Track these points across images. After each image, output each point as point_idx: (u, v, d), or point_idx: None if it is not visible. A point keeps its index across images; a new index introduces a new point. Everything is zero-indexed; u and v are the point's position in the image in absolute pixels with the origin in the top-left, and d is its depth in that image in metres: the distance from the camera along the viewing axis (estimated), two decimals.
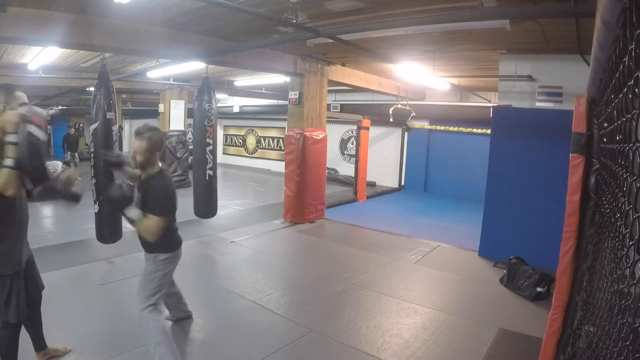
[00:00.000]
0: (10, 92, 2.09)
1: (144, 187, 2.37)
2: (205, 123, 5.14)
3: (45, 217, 6.34)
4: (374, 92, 8.52)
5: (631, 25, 0.78)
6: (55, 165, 7.98)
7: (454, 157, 9.16)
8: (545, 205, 4.19)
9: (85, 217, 5.62)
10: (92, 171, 4.06)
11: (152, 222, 2.24)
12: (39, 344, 2.49)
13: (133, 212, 2.23)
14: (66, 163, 9.57)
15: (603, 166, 1.62)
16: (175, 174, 8.47)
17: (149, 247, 2.42)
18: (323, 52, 5.76)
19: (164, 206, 2.31)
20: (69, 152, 10.40)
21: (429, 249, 5.08)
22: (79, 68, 7.13)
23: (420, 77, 5.88)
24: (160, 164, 2.44)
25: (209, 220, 5.64)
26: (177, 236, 2.56)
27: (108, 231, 4.21)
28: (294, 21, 3.34)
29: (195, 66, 5.92)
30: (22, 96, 2.17)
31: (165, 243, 2.41)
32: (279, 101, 10.82)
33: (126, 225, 5.43)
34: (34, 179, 2.07)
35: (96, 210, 4.14)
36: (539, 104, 4.62)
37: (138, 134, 2.34)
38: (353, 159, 8.87)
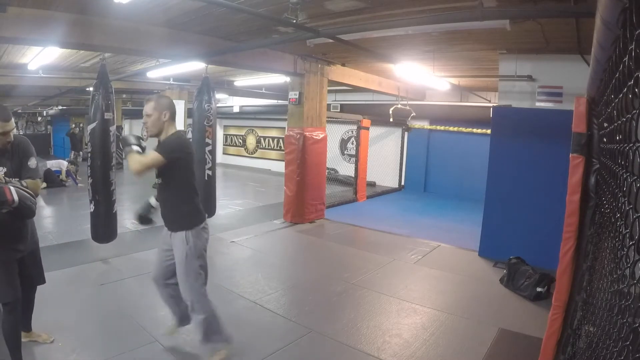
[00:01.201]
0: None
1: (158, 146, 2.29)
2: (205, 123, 5.14)
3: (45, 217, 6.33)
4: (374, 92, 8.52)
5: (631, 25, 0.78)
6: (60, 164, 8.09)
7: (454, 157, 9.16)
8: (545, 205, 4.18)
9: (85, 217, 5.60)
10: (89, 171, 4.07)
11: (143, 157, 2.17)
12: (25, 325, 2.56)
13: (134, 147, 2.22)
14: (70, 162, 9.54)
15: (603, 166, 1.62)
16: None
17: (172, 224, 2.35)
18: (323, 52, 5.76)
19: (166, 148, 2.22)
20: (73, 152, 10.37)
21: (429, 249, 5.08)
22: (79, 68, 7.13)
23: (420, 77, 5.88)
24: (177, 128, 2.37)
25: (208, 220, 5.62)
26: (197, 211, 2.40)
27: (103, 231, 4.22)
28: (294, 21, 3.34)
29: (195, 66, 5.92)
30: None
31: (186, 218, 2.34)
32: (279, 101, 10.81)
33: (125, 225, 5.43)
34: None
35: (92, 210, 4.15)
36: (539, 104, 4.62)
37: (147, 100, 2.31)
38: (353, 159, 8.86)
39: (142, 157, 2.18)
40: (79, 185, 8.97)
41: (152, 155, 2.18)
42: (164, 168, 2.24)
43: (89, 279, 3.73)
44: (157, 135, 2.34)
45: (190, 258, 2.32)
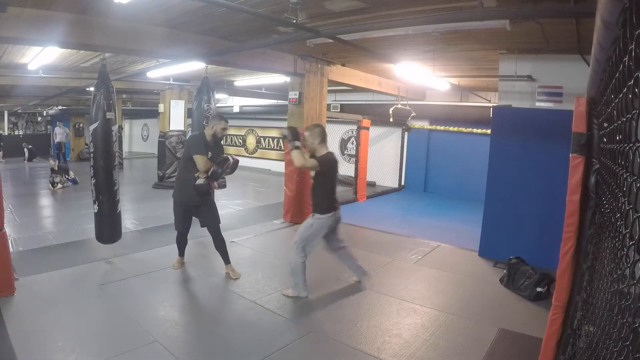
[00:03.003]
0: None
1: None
2: (204, 123, 5.13)
3: (45, 217, 6.34)
4: (374, 92, 8.52)
5: (631, 25, 0.78)
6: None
7: (454, 157, 9.16)
8: (545, 205, 4.18)
9: (85, 217, 5.63)
10: (92, 171, 4.06)
11: (304, 158, 3.47)
12: (224, 259, 3.94)
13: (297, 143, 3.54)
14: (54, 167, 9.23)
15: (603, 166, 1.62)
16: (175, 174, 8.47)
17: (312, 207, 3.47)
18: (323, 52, 5.75)
19: (322, 162, 3.46)
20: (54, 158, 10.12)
21: (429, 249, 5.08)
22: (79, 68, 7.13)
23: (420, 77, 5.88)
24: (327, 149, 3.54)
25: None
26: (330, 203, 3.41)
27: (107, 231, 4.21)
28: (294, 21, 3.34)
29: (195, 66, 5.92)
30: None
31: (320, 206, 3.40)
32: (279, 101, 10.81)
33: (125, 225, 5.43)
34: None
35: (96, 211, 4.14)
36: (539, 104, 4.61)
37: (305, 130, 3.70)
38: (353, 159, 8.86)
39: (304, 158, 3.40)
40: (64, 185, 8.72)
41: (313, 162, 3.39)
42: (319, 172, 3.42)
43: (90, 279, 3.73)
44: (313, 153, 3.49)
45: (307, 227, 3.43)
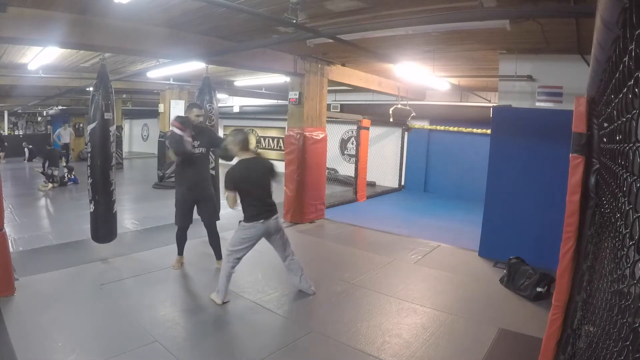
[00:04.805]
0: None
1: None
2: (207, 123, 5.13)
3: (45, 217, 6.33)
4: (374, 92, 8.52)
5: (631, 25, 0.78)
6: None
7: (454, 157, 9.16)
8: (545, 205, 4.18)
9: (84, 217, 5.59)
10: (89, 171, 4.06)
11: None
12: (216, 255, 4.14)
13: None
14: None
15: (603, 166, 1.62)
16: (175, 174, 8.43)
17: None
18: (323, 52, 5.75)
19: (226, 178, 3.35)
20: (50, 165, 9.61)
21: (429, 249, 5.08)
22: (79, 68, 7.13)
23: (420, 77, 5.88)
24: (245, 156, 3.39)
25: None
26: (252, 211, 3.39)
27: (103, 231, 4.22)
28: (294, 21, 3.34)
29: (195, 66, 5.92)
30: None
31: (244, 214, 3.43)
32: (279, 101, 10.81)
33: (125, 225, 5.42)
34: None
35: (92, 210, 4.15)
36: (539, 104, 4.62)
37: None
38: (353, 159, 8.86)
39: (230, 200, 3.37)
40: (54, 185, 8.58)
41: (230, 196, 3.36)
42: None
43: (89, 279, 3.73)
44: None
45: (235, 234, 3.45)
